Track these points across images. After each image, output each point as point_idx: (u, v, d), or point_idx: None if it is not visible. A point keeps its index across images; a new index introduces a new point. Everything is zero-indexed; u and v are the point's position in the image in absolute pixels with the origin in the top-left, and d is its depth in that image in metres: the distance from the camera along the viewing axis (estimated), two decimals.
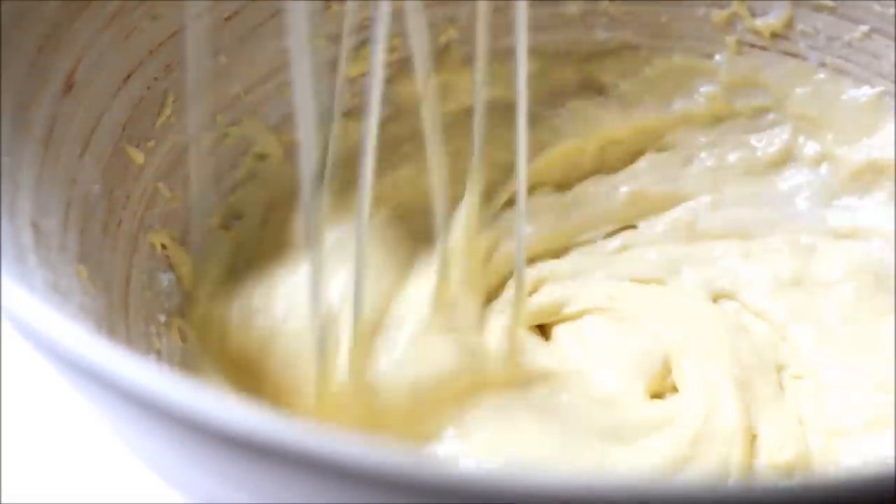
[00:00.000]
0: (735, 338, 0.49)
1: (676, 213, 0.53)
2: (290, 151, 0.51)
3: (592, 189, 0.54)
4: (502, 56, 0.54)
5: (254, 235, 0.50)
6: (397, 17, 0.52)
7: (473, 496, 0.27)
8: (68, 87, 0.43)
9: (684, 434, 0.45)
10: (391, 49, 0.52)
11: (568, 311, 0.50)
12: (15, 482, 0.46)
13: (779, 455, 0.45)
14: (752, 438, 0.46)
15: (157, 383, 0.29)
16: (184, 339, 0.46)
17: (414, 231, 0.51)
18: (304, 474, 0.29)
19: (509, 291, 0.50)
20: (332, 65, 0.52)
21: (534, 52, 0.54)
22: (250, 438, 0.28)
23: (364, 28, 0.52)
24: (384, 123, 0.53)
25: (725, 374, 0.47)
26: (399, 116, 0.53)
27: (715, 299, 0.51)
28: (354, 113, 0.52)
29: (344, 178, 0.52)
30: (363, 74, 0.52)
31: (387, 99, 0.53)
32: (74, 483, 0.46)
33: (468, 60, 0.54)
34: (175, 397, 0.29)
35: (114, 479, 0.46)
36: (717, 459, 0.45)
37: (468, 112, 0.54)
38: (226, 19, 0.49)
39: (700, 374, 0.47)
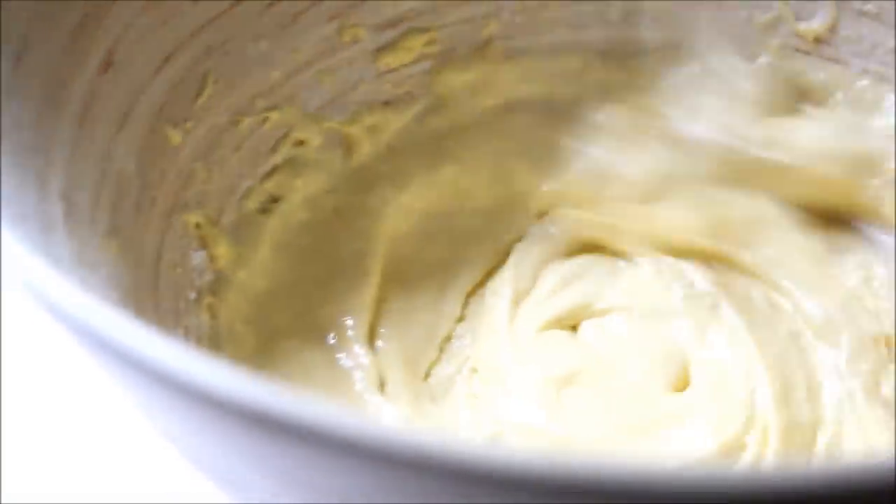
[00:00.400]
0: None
1: None
2: (329, 138, 0.52)
3: None
4: (545, 52, 0.55)
5: (290, 221, 0.51)
6: (438, 9, 0.53)
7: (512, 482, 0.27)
8: (106, 65, 0.43)
9: (705, 426, 0.45)
10: (432, 41, 0.53)
11: (596, 307, 0.51)
12: (15, 482, 0.46)
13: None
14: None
15: (179, 359, 0.29)
16: (213, 316, 0.47)
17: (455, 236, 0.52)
18: (315, 451, 0.29)
19: (539, 289, 0.51)
20: (373, 55, 0.52)
21: (575, 49, 0.54)
22: (273, 416, 0.28)
23: (406, 19, 0.53)
24: (424, 114, 0.54)
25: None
26: (440, 108, 0.54)
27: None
28: (393, 103, 0.53)
29: (395, 166, 0.53)
30: (404, 65, 0.53)
31: (427, 89, 0.54)
32: (74, 483, 0.46)
33: (510, 55, 0.54)
34: (196, 373, 0.29)
35: (114, 479, 0.46)
36: (739, 450, 0.45)
37: (509, 107, 0.54)
38: (268, 5, 0.49)
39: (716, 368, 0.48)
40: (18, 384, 0.49)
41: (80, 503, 0.46)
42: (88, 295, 0.31)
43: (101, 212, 0.42)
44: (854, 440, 0.45)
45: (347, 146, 0.52)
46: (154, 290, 0.44)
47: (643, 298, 0.50)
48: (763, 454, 0.45)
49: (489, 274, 0.52)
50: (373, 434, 0.27)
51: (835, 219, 0.52)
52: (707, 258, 0.51)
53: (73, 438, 0.48)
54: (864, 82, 0.52)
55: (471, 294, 0.51)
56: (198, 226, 0.47)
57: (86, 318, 0.30)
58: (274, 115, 0.50)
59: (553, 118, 0.54)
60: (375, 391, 0.46)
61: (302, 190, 0.51)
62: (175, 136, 0.47)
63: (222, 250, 0.48)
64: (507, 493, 0.27)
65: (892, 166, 0.51)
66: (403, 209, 0.52)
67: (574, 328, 0.50)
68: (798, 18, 0.52)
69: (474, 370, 0.48)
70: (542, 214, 0.53)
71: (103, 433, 0.48)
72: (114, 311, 0.30)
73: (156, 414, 0.35)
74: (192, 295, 0.46)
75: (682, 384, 0.48)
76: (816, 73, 0.53)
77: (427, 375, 0.48)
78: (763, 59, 0.53)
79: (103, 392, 0.49)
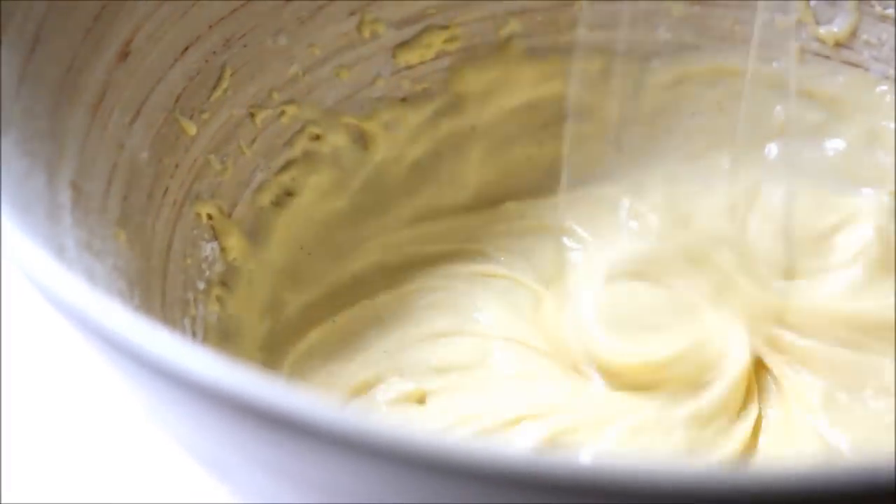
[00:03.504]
0: None
1: None
2: (345, 134, 0.52)
3: None
4: (565, 51, 0.55)
5: (303, 215, 0.51)
6: (459, 6, 0.53)
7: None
8: (123, 55, 0.44)
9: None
10: (452, 38, 0.53)
11: None
12: (15, 482, 0.46)
13: None
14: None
15: (180, 354, 0.29)
16: (222, 307, 0.47)
17: None
18: (316, 448, 0.29)
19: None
20: (392, 51, 0.53)
21: (596, 49, 0.54)
22: (271, 410, 0.28)
23: (426, 16, 0.53)
24: (441, 112, 0.54)
25: None
26: (458, 107, 0.54)
27: None
28: (411, 99, 0.53)
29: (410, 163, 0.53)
30: (423, 62, 0.53)
31: (445, 87, 0.54)
32: (74, 483, 0.46)
33: (531, 54, 0.54)
34: (196, 368, 0.29)
35: (114, 478, 0.46)
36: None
37: (531, 107, 0.54)
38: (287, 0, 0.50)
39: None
40: (19, 384, 0.49)
41: (80, 503, 0.46)
42: (90, 287, 0.31)
43: (111, 201, 0.42)
44: None
45: (363, 142, 0.52)
46: (162, 280, 0.44)
47: None
48: None
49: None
50: (369, 430, 0.27)
51: None
52: None
53: (74, 438, 0.48)
54: (884, 87, 0.52)
55: None
56: (210, 217, 0.48)
57: (86, 310, 0.30)
58: (290, 110, 0.51)
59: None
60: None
61: (316, 185, 0.51)
62: (190, 127, 0.47)
63: (234, 242, 0.48)
64: (498, 489, 0.27)
65: None
66: (416, 207, 0.52)
67: None
68: (818, 22, 0.52)
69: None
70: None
71: (104, 433, 0.48)
72: (114, 303, 0.31)
73: (157, 409, 0.35)
74: (202, 285, 0.46)
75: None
76: (835, 77, 0.52)
77: None
78: (780, 63, 0.53)
79: (103, 392, 0.49)
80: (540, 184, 0.54)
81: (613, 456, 0.43)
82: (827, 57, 0.53)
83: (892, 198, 0.51)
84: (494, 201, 0.53)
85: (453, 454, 0.26)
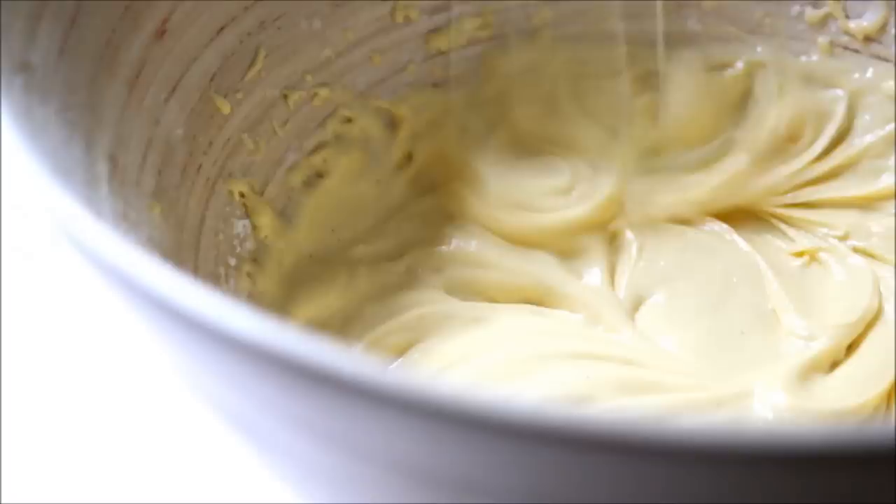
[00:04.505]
0: None
1: None
2: (376, 118, 0.52)
3: None
4: (596, 41, 0.55)
5: (334, 197, 0.51)
6: None
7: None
8: (160, 33, 0.44)
9: None
10: (484, 25, 0.54)
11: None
12: (15, 482, 0.46)
13: None
14: None
15: (219, 308, 0.29)
16: (252, 283, 0.47)
17: None
18: (352, 405, 0.29)
19: None
20: (424, 37, 0.53)
21: (626, 39, 0.55)
22: (307, 364, 0.28)
23: (459, 3, 0.53)
24: (472, 99, 0.54)
25: None
26: (489, 93, 0.54)
27: None
28: (442, 85, 0.54)
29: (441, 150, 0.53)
30: (454, 48, 0.54)
31: (477, 74, 0.54)
32: (74, 483, 0.46)
33: (561, 41, 0.55)
34: (233, 321, 0.29)
35: (114, 479, 0.47)
36: None
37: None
38: None
39: None
40: (18, 384, 0.49)
41: (80, 503, 0.46)
42: (125, 239, 0.31)
43: (146, 174, 0.43)
44: None
45: (394, 126, 0.53)
46: (194, 255, 0.45)
47: None
48: None
49: None
50: (400, 385, 0.27)
51: None
52: None
53: (74, 438, 0.48)
54: None
55: None
56: (242, 195, 0.48)
57: (120, 260, 0.30)
58: (323, 92, 0.51)
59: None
60: None
61: (347, 167, 0.52)
62: (224, 106, 0.47)
63: (265, 220, 0.49)
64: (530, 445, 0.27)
65: None
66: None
67: None
68: (848, 16, 0.52)
69: None
70: None
71: (104, 433, 0.48)
72: (156, 261, 0.31)
73: (183, 362, 0.35)
74: (233, 262, 0.47)
75: None
76: (865, 70, 0.53)
77: None
78: (810, 56, 0.53)
79: (103, 392, 0.49)
80: None
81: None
82: (856, 51, 0.53)
83: None
84: None
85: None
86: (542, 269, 0.50)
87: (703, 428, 0.25)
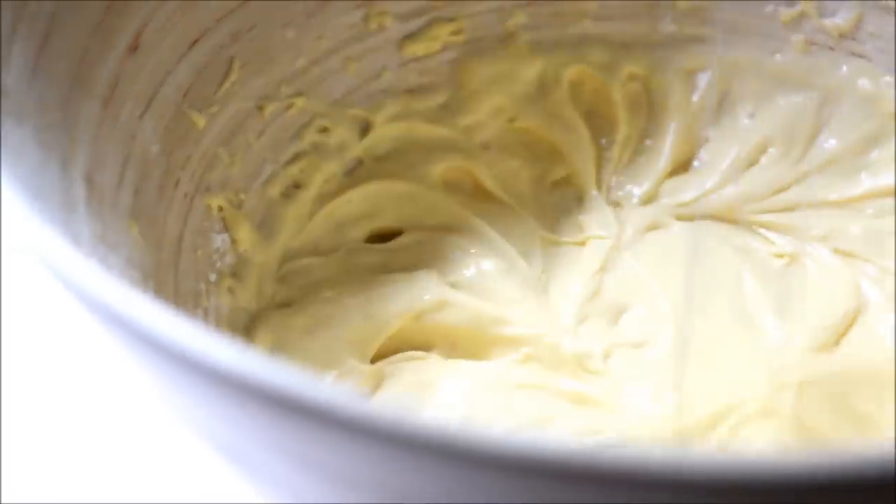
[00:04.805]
0: None
1: None
2: (352, 126, 0.52)
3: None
4: (572, 44, 0.55)
5: (312, 207, 0.51)
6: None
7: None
8: (133, 48, 0.44)
9: None
10: (458, 30, 0.54)
11: None
12: (15, 482, 0.46)
13: None
14: None
15: (196, 339, 0.29)
16: (233, 298, 0.47)
17: None
18: (329, 433, 0.29)
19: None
20: (398, 43, 0.53)
21: (600, 42, 0.54)
22: (286, 395, 0.28)
23: (432, 9, 0.53)
24: (447, 104, 0.54)
25: None
26: (464, 98, 0.54)
27: None
28: (417, 91, 0.54)
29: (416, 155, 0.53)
30: (429, 54, 0.54)
31: (452, 79, 0.54)
32: (74, 483, 0.46)
33: (536, 47, 0.55)
34: (213, 354, 0.29)
35: (114, 479, 0.47)
36: None
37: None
38: None
39: None
40: (18, 384, 0.49)
41: (80, 503, 0.46)
42: (107, 273, 0.31)
43: (123, 193, 0.42)
44: None
45: (370, 134, 0.52)
46: (174, 272, 0.44)
47: None
48: None
49: None
50: (383, 417, 0.27)
51: None
52: None
53: (74, 438, 0.48)
54: (888, 78, 0.52)
55: None
56: (220, 209, 0.48)
57: (104, 296, 0.30)
58: (298, 102, 0.51)
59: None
60: None
61: (324, 176, 0.51)
62: (200, 120, 0.47)
63: (244, 234, 0.48)
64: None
65: None
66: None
67: None
68: (822, 14, 0.52)
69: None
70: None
71: (104, 433, 0.48)
72: (132, 289, 0.30)
73: (171, 394, 0.35)
74: (213, 277, 0.47)
75: None
76: (839, 68, 0.53)
77: None
78: (783, 56, 0.53)
79: (104, 391, 0.49)
80: None
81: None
82: (831, 49, 0.53)
83: None
84: None
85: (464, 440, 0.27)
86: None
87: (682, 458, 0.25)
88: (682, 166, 0.54)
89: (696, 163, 0.54)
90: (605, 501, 0.27)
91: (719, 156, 0.53)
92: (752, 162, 0.53)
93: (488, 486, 0.28)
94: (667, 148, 0.54)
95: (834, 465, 0.26)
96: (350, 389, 0.27)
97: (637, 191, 0.53)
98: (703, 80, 0.54)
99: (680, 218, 0.52)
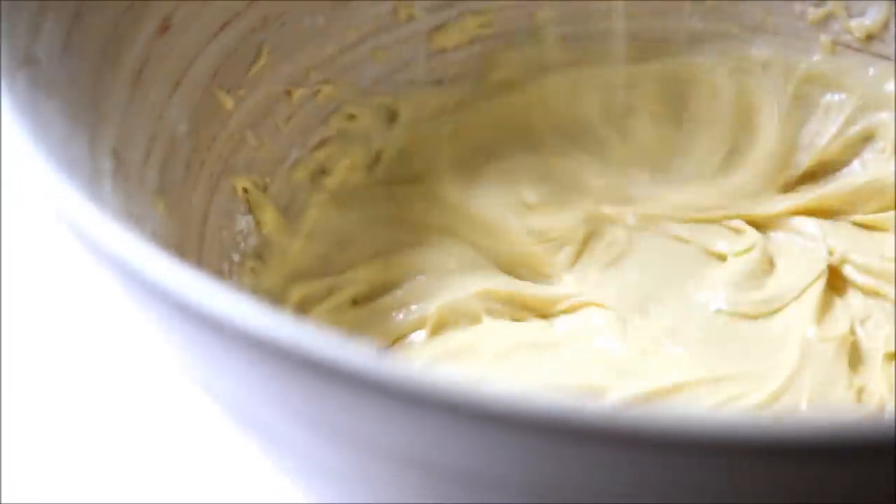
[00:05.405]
0: None
1: None
2: (379, 114, 0.53)
3: None
4: (599, 39, 0.55)
5: (337, 193, 0.51)
6: None
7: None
8: (163, 29, 0.45)
9: None
10: (487, 23, 0.54)
11: None
12: (15, 482, 0.46)
13: None
14: None
15: (225, 301, 0.29)
16: (256, 279, 0.47)
17: None
18: (357, 395, 0.29)
19: None
20: (427, 34, 0.53)
21: (627, 38, 0.55)
22: (314, 357, 0.28)
23: (461, 1, 0.53)
24: (475, 96, 0.54)
25: None
26: (492, 91, 0.54)
27: None
28: (445, 83, 0.54)
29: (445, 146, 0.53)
30: (457, 46, 0.54)
31: (479, 72, 0.54)
32: (74, 483, 0.46)
33: (565, 40, 0.55)
34: (240, 315, 0.29)
35: (114, 479, 0.47)
36: None
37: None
38: None
39: None
40: (18, 384, 0.49)
41: (80, 503, 0.46)
42: (135, 236, 0.31)
43: (150, 170, 0.43)
44: None
45: (397, 123, 0.53)
46: (198, 250, 0.45)
47: None
48: None
49: None
50: (412, 379, 0.27)
51: None
52: None
53: (74, 438, 0.48)
54: None
55: None
56: (245, 191, 0.48)
57: (131, 257, 0.31)
58: (326, 89, 0.51)
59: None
60: None
61: (350, 163, 0.52)
62: (228, 102, 0.48)
63: (269, 216, 0.49)
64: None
65: None
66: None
67: None
68: (850, 15, 0.53)
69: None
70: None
71: (104, 433, 0.48)
72: (160, 253, 0.31)
73: (195, 361, 0.35)
74: (237, 257, 0.47)
75: None
76: (866, 69, 0.53)
77: None
78: (813, 55, 0.53)
79: (103, 391, 0.49)
80: None
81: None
82: (858, 50, 0.53)
83: None
84: None
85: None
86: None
87: (705, 419, 0.25)
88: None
89: None
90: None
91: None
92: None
93: (521, 453, 0.28)
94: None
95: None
96: (370, 349, 0.27)
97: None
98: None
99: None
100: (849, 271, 0.49)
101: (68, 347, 0.51)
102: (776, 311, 0.48)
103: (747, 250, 0.50)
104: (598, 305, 0.48)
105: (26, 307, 0.52)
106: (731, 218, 0.51)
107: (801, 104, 0.53)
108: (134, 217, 0.39)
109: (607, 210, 0.52)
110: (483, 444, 0.27)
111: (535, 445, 0.26)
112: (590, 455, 0.26)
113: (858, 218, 0.51)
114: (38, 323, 0.52)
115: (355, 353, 0.27)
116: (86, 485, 0.46)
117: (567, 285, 0.50)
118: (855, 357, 0.46)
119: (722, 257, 0.50)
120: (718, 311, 0.48)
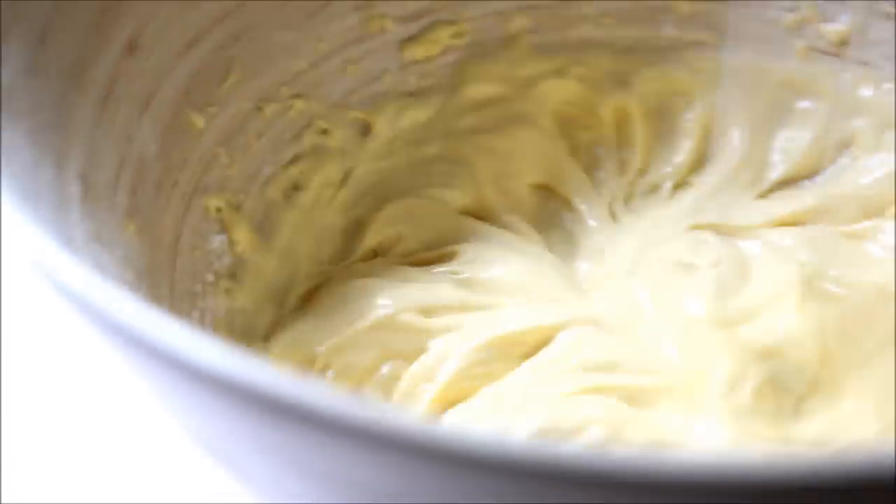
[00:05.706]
0: None
1: None
2: (352, 128, 0.52)
3: None
4: (573, 47, 0.55)
5: (311, 209, 0.51)
6: (466, 1, 0.53)
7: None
8: (131, 49, 0.44)
9: None
10: (459, 33, 0.53)
11: None
12: (15, 482, 0.46)
13: None
14: None
15: (188, 343, 0.29)
16: (230, 299, 0.47)
17: None
18: (323, 436, 0.29)
19: None
20: (399, 45, 0.53)
21: (603, 45, 0.54)
22: (280, 399, 0.28)
23: (433, 11, 0.53)
24: (448, 107, 0.54)
25: None
26: (465, 102, 0.54)
27: None
28: (418, 94, 0.53)
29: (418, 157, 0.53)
30: (430, 57, 0.53)
31: (452, 82, 0.54)
32: (74, 483, 0.46)
33: (539, 50, 0.54)
34: (205, 357, 0.29)
35: (114, 479, 0.47)
36: None
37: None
38: None
39: None
40: (18, 384, 0.49)
41: (79, 503, 0.46)
42: (99, 275, 0.31)
43: (120, 193, 0.42)
44: None
45: (370, 136, 0.52)
46: (171, 272, 0.44)
47: None
48: None
49: None
50: (380, 421, 0.27)
51: None
52: None
53: (74, 438, 0.48)
54: (889, 85, 0.52)
55: None
56: (219, 210, 0.48)
57: (94, 298, 0.30)
58: (298, 104, 0.51)
59: None
60: None
61: (324, 179, 0.51)
62: (198, 121, 0.47)
63: (242, 235, 0.48)
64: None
65: None
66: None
67: None
68: (824, 20, 0.52)
69: None
70: None
71: (104, 433, 0.48)
72: (124, 292, 0.31)
73: (167, 398, 0.35)
74: (210, 278, 0.47)
75: None
76: (841, 74, 0.52)
77: None
78: (788, 61, 0.53)
79: (104, 391, 0.49)
80: None
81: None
82: (834, 55, 0.53)
83: None
84: None
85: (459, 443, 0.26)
86: None
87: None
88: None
89: None
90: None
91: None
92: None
93: (480, 488, 0.28)
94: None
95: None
96: (339, 391, 0.27)
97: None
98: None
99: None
100: (824, 281, 0.49)
101: (68, 347, 0.51)
102: (750, 321, 0.48)
103: (719, 261, 0.49)
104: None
105: (26, 307, 0.52)
106: (702, 228, 0.51)
107: (775, 110, 0.53)
108: (103, 242, 0.39)
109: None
110: (456, 485, 0.27)
111: (506, 488, 0.26)
112: (554, 496, 0.26)
113: (834, 227, 0.51)
114: (38, 323, 0.52)
115: (319, 393, 0.27)
116: (86, 485, 0.46)
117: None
118: None
119: (694, 267, 0.50)
120: (696, 319, 0.48)
